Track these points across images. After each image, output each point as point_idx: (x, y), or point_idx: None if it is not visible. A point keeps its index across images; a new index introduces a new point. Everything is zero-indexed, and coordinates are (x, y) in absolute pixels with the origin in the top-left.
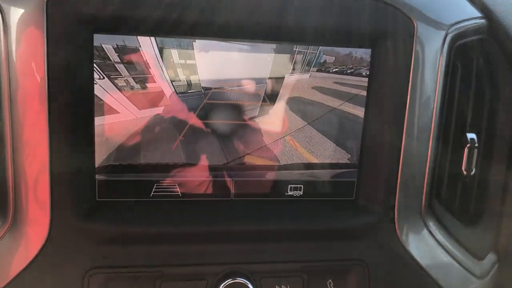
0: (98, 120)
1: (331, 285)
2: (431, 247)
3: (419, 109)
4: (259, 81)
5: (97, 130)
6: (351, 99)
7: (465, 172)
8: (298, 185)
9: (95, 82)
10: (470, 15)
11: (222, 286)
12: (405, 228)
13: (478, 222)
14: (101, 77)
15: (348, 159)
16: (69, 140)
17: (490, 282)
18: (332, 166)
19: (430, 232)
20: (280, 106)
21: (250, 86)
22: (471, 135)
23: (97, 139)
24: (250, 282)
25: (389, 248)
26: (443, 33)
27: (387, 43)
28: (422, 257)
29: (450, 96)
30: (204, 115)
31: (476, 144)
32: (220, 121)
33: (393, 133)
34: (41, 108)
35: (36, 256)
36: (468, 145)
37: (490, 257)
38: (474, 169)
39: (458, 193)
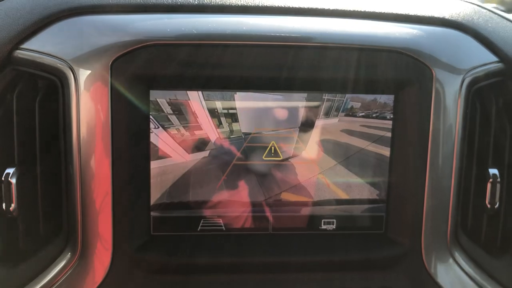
0: (153, 164)
1: None
2: (459, 278)
3: (441, 148)
4: (292, 125)
5: (152, 172)
6: (377, 140)
7: (489, 206)
8: (331, 219)
9: (151, 131)
10: (487, 60)
11: None
12: (433, 259)
13: (506, 253)
14: (156, 126)
15: (376, 195)
16: (129, 181)
17: None
18: (362, 201)
19: (458, 263)
20: (312, 147)
21: (284, 131)
22: (493, 171)
23: (152, 180)
24: None
25: (417, 279)
26: (460, 77)
27: (408, 89)
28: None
29: (471, 135)
30: (244, 157)
31: (499, 179)
32: (259, 162)
33: (417, 170)
34: (106, 153)
35: (101, 284)
36: (491, 179)
37: None
38: (498, 203)
39: (484, 226)
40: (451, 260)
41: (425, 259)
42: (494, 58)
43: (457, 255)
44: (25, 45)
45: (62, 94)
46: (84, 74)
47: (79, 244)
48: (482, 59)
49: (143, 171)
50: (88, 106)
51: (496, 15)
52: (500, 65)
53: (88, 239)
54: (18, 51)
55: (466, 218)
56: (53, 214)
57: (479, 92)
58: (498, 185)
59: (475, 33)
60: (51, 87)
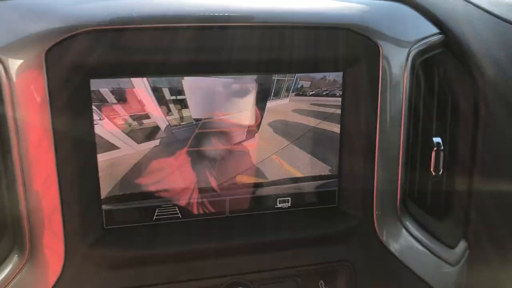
0: (101, 157)
1: (322, 285)
2: (408, 242)
3: (389, 121)
4: (244, 108)
5: (100, 165)
6: (328, 117)
7: (433, 173)
8: (286, 198)
9: (95, 122)
10: (430, 32)
11: None
12: (384, 228)
13: (448, 215)
14: (101, 117)
15: (329, 171)
16: (76, 176)
17: (463, 268)
18: (315, 178)
19: (407, 229)
20: (264, 129)
21: (236, 114)
22: (437, 139)
23: (101, 173)
24: None
25: (371, 248)
26: (406, 51)
27: (356, 65)
28: (400, 252)
29: (416, 106)
30: (196, 143)
31: (442, 147)
32: (212, 148)
33: (367, 144)
34: (48, 149)
35: (54, 284)
36: (435, 148)
37: (461, 246)
38: (441, 169)
39: (429, 192)
40: (401, 227)
41: (378, 228)
42: (436, 30)
43: (406, 222)
44: None
45: None
46: (15, 65)
47: (27, 245)
48: (425, 31)
49: (90, 164)
50: (24, 100)
51: None
52: (441, 36)
53: (37, 239)
54: None
55: (413, 186)
56: None
57: (423, 66)
58: (442, 153)
59: (418, 6)
60: None
